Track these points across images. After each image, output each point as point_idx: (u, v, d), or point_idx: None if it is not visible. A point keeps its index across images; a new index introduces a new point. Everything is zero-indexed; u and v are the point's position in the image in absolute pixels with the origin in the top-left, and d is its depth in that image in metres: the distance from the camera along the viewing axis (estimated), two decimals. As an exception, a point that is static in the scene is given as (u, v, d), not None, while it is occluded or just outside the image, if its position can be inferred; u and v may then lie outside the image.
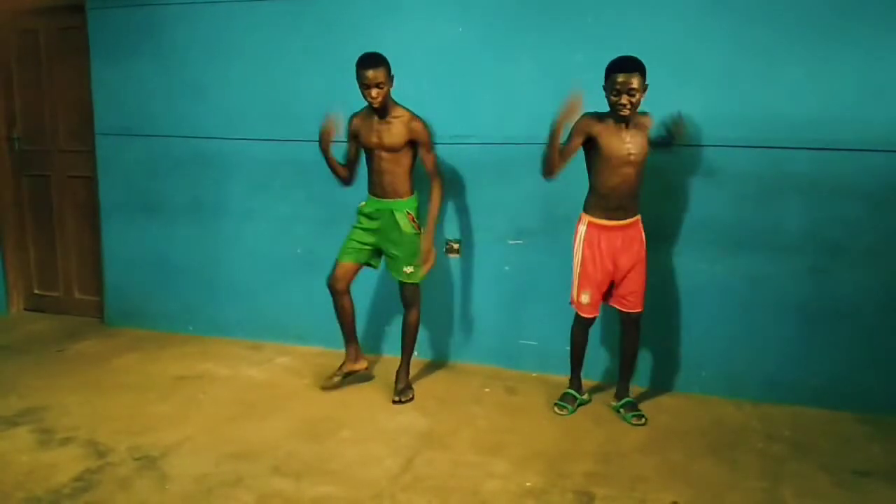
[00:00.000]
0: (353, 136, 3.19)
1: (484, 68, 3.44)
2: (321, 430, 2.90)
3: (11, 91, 4.45)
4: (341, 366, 3.32)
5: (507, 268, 3.55)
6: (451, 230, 3.62)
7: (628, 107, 2.73)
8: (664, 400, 3.21)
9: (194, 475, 2.54)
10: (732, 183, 3.12)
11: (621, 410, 3.05)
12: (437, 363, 3.68)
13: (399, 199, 3.14)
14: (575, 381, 3.17)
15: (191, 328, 4.13)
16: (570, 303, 3.06)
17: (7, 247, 4.57)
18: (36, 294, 4.64)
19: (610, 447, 2.77)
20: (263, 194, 3.90)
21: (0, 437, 2.84)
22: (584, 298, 3.00)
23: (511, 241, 3.51)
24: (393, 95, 3.06)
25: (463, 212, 3.58)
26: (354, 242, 3.21)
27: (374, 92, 2.98)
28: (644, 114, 2.87)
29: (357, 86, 3.00)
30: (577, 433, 2.89)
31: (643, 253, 2.97)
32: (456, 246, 3.62)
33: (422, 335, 3.70)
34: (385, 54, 3.12)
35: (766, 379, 3.20)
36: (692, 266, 3.23)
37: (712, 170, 3.15)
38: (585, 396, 3.18)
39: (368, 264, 3.27)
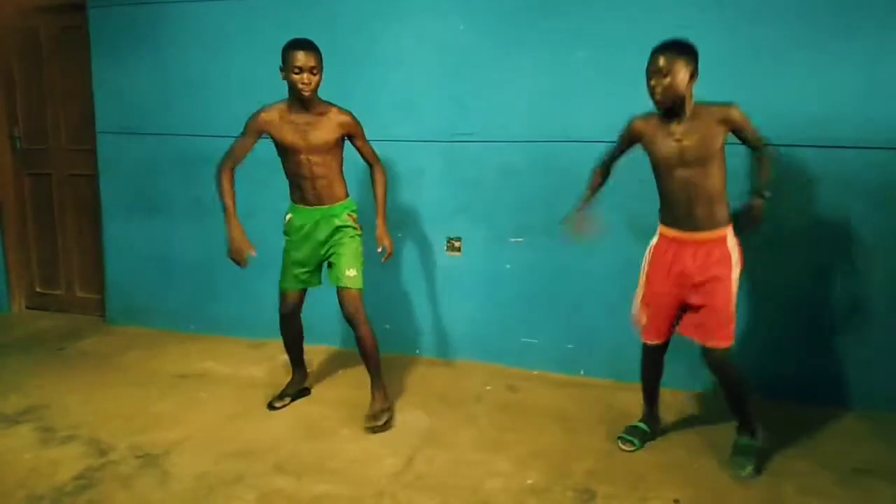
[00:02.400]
0: (257, 134, 2.82)
1: (485, 65, 3.43)
2: (322, 429, 2.91)
3: (13, 90, 4.46)
4: (290, 384, 3.19)
5: (508, 266, 3.54)
6: (453, 228, 3.61)
7: (657, 92, 2.36)
8: (665, 397, 3.20)
9: (195, 473, 2.54)
10: (734, 180, 3.10)
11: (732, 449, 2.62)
12: (438, 361, 3.68)
13: (337, 204, 2.88)
14: (646, 415, 2.83)
15: (192, 326, 4.13)
16: (633, 323, 2.71)
17: (9, 245, 4.57)
18: (38, 292, 4.65)
19: (611, 445, 2.76)
20: (265, 192, 3.89)
21: (2, 435, 2.84)
22: (643, 318, 2.66)
23: (512, 240, 3.51)
24: (393, 93, 3.03)
25: (464, 210, 3.58)
26: (294, 268, 2.94)
27: (306, 77, 2.64)
28: (710, 104, 2.41)
29: (281, 73, 2.71)
30: (579, 431, 2.89)
31: (724, 273, 2.44)
32: (457, 244, 3.61)
33: (423, 333, 3.71)
34: (386, 52, 3.13)
35: (766, 376, 3.19)
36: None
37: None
38: (654, 432, 2.80)
39: (314, 285, 3.02)
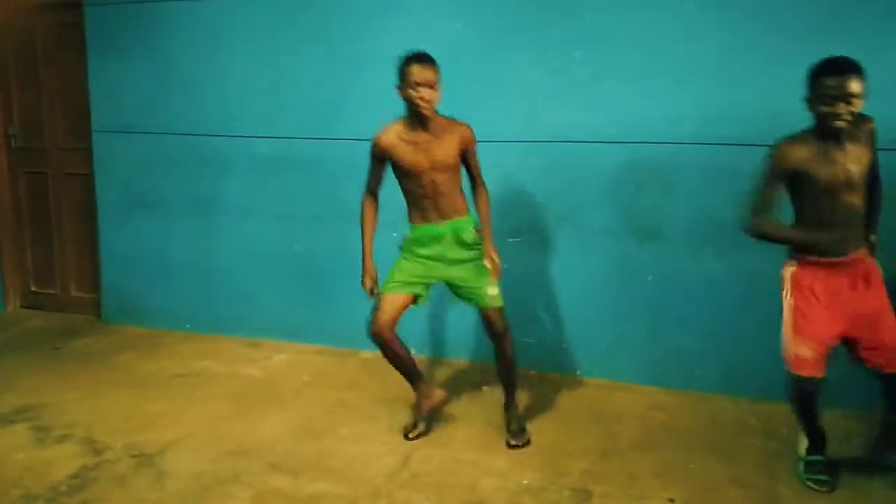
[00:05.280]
0: (382, 160, 2.65)
1: (482, 65, 3.43)
2: (319, 428, 2.90)
3: (8, 88, 4.45)
4: (418, 407, 2.84)
5: (505, 265, 3.53)
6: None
7: (844, 117, 2.16)
8: (661, 397, 3.21)
9: (191, 472, 2.53)
10: (730, 181, 3.12)
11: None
12: (435, 360, 3.68)
13: (462, 218, 2.69)
14: (816, 449, 2.50)
15: (188, 326, 4.12)
16: (785, 363, 2.42)
17: (4, 244, 4.56)
18: (33, 291, 4.63)
19: (607, 445, 2.77)
20: (261, 191, 3.89)
21: (-3, 434, 2.84)
22: (804, 351, 2.33)
23: (510, 239, 3.51)
24: (392, 93, 3.00)
25: (461, 209, 3.57)
26: (404, 274, 2.68)
27: (426, 94, 2.46)
28: (864, 118, 2.27)
29: (400, 92, 2.54)
30: (575, 431, 2.89)
31: (883, 290, 2.33)
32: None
33: (420, 332, 3.70)
34: (383, 51, 3.09)
35: (763, 376, 3.19)
36: (689, 263, 3.23)
37: (709, 168, 3.15)
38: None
39: (418, 298, 2.71)
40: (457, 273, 2.69)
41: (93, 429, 2.87)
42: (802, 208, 2.35)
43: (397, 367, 2.77)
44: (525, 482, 2.49)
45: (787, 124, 3.04)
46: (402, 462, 2.63)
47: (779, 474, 2.54)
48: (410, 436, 2.80)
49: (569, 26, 3.28)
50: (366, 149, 2.77)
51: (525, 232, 3.48)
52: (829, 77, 2.17)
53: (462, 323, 3.67)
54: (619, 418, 3.01)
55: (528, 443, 2.75)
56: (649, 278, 3.28)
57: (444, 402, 2.90)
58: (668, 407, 3.09)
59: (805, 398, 2.42)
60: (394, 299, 2.65)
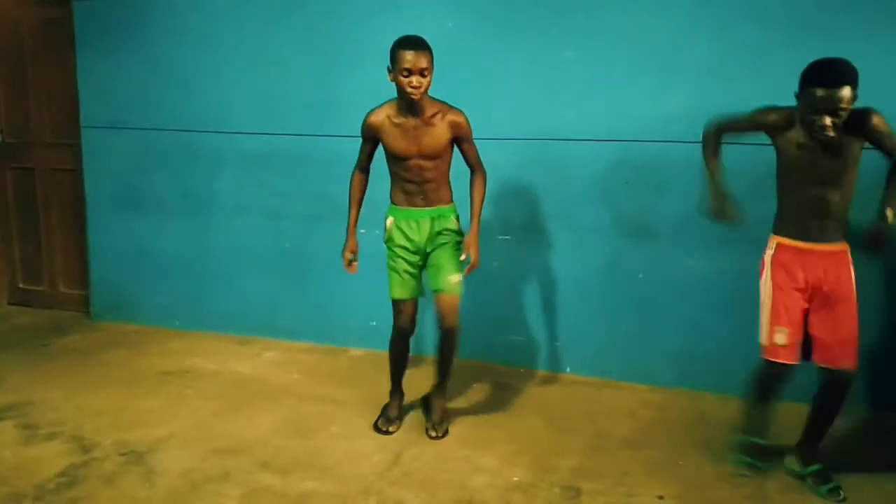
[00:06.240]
0: (372, 140, 2.69)
1: (473, 63, 3.43)
2: (309, 426, 2.90)
3: (-4, 82, 4.41)
4: (389, 409, 2.94)
5: (495, 263, 3.55)
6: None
7: (830, 130, 2.14)
8: (651, 395, 3.23)
9: (181, 470, 2.52)
10: (720, 179, 3.14)
11: (809, 479, 2.45)
12: (425, 359, 3.68)
13: (445, 206, 2.73)
14: (756, 432, 2.55)
15: (178, 323, 4.10)
16: (761, 348, 2.43)
17: (-9, 240, 4.53)
18: (21, 288, 4.60)
19: (597, 442, 2.78)
20: (252, 188, 3.88)
21: (-16, 432, 2.82)
22: (780, 338, 2.36)
23: (500, 237, 3.52)
24: (383, 90, 2.99)
25: (452, 207, 3.57)
26: (404, 276, 2.73)
27: (415, 80, 2.45)
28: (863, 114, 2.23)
29: (389, 74, 2.54)
30: (565, 428, 2.90)
31: (852, 284, 2.34)
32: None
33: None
34: (375, 48, 3.07)
35: (751, 374, 3.22)
36: (681, 261, 3.24)
37: (700, 166, 3.16)
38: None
39: (420, 291, 2.80)
40: (433, 254, 2.72)
41: (81, 426, 2.85)
42: (782, 189, 2.40)
43: (394, 367, 2.88)
44: (515, 479, 2.50)
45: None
46: (392, 459, 2.63)
47: (767, 471, 2.55)
48: (391, 429, 2.87)
49: (560, 25, 3.29)
50: (356, 146, 2.77)
51: (515, 230, 3.49)
52: (818, 87, 2.14)
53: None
54: (609, 416, 3.03)
55: (446, 433, 2.81)
56: (640, 276, 3.29)
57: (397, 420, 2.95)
58: (657, 404, 3.11)
59: (771, 382, 2.46)
60: (409, 304, 2.76)
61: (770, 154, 2.93)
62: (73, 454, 2.63)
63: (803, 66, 2.98)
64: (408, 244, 2.72)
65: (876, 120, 2.24)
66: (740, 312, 3.19)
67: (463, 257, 2.72)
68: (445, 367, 2.85)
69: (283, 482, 2.46)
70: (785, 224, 2.39)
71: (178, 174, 4.00)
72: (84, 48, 4.04)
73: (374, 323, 3.66)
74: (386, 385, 2.99)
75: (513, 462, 2.61)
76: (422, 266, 2.77)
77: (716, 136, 2.52)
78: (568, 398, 3.21)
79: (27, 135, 4.40)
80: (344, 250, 2.80)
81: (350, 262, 2.81)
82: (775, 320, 2.36)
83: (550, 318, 3.49)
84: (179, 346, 3.83)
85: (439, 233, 2.72)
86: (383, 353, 3.32)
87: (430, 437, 2.80)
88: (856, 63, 2.24)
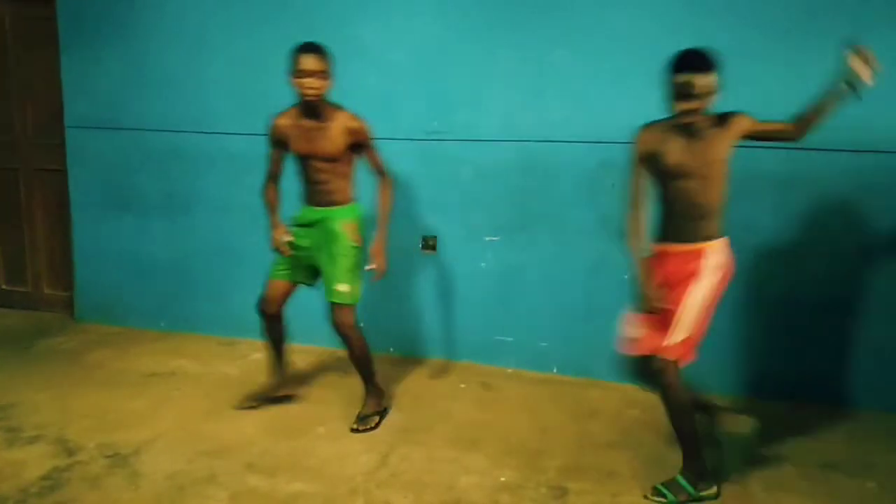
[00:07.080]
0: (278, 143, 2.79)
1: (462, 64, 3.44)
2: (296, 427, 2.89)
3: (-23, 81, 4.36)
4: (268, 388, 3.08)
5: (483, 264, 3.56)
6: (428, 226, 3.62)
7: (689, 113, 2.17)
8: (636, 394, 3.24)
9: (166, 473, 2.51)
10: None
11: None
12: (413, 359, 3.68)
13: (337, 207, 2.79)
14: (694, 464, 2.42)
15: (163, 324, 4.08)
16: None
17: (-27, 241, 4.47)
18: (3, 289, 4.54)
19: (584, 442, 2.79)
20: (237, 189, 3.85)
21: (-34, 435, 2.78)
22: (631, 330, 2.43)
23: (487, 238, 3.52)
24: (370, 91, 3.01)
25: (439, 208, 3.58)
26: (284, 262, 2.88)
27: (307, 81, 2.57)
28: (730, 114, 2.31)
29: (290, 78, 2.63)
30: (552, 429, 2.91)
31: (705, 283, 2.32)
32: (432, 242, 3.62)
33: (398, 332, 3.71)
34: (364, 50, 3.10)
35: (731, 373, 3.25)
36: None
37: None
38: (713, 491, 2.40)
39: (304, 283, 2.93)
40: (322, 261, 2.80)
41: (65, 429, 2.83)
42: (661, 196, 2.37)
43: (269, 347, 3.00)
44: (502, 479, 2.50)
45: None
46: (379, 460, 2.62)
47: (751, 469, 2.58)
48: (238, 406, 3.00)
49: (548, 26, 3.30)
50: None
51: (502, 230, 3.50)
52: (674, 73, 2.16)
53: (438, 322, 3.67)
54: (595, 415, 3.04)
55: (372, 428, 2.86)
56: (625, 276, 3.31)
57: (275, 394, 3.08)
58: (642, 403, 3.12)
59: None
60: (276, 284, 2.87)
61: (755, 155, 2.95)
62: (57, 457, 2.61)
63: (790, 69, 3.03)
64: (298, 241, 2.84)
65: (743, 122, 2.30)
66: (723, 312, 3.22)
67: (368, 267, 2.82)
68: (357, 369, 2.94)
69: (269, 484, 2.45)
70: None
71: (163, 175, 3.97)
72: (68, 47, 4.01)
73: (362, 324, 3.65)
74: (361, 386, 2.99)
75: (500, 462, 2.62)
76: (308, 262, 2.86)
77: (635, 214, 2.40)
78: (555, 398, 3.22)
79: (10, 134, 4.35)
80: (272, 242, 2.88)
81: (281, 247, 2.86)
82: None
83: (536, 318, 3.50)
84: (165, 348, 3.80)
85: (329, 238, 2.77)
86: (381, 357, 3.31)
87: (350, 430, 2.85)
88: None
